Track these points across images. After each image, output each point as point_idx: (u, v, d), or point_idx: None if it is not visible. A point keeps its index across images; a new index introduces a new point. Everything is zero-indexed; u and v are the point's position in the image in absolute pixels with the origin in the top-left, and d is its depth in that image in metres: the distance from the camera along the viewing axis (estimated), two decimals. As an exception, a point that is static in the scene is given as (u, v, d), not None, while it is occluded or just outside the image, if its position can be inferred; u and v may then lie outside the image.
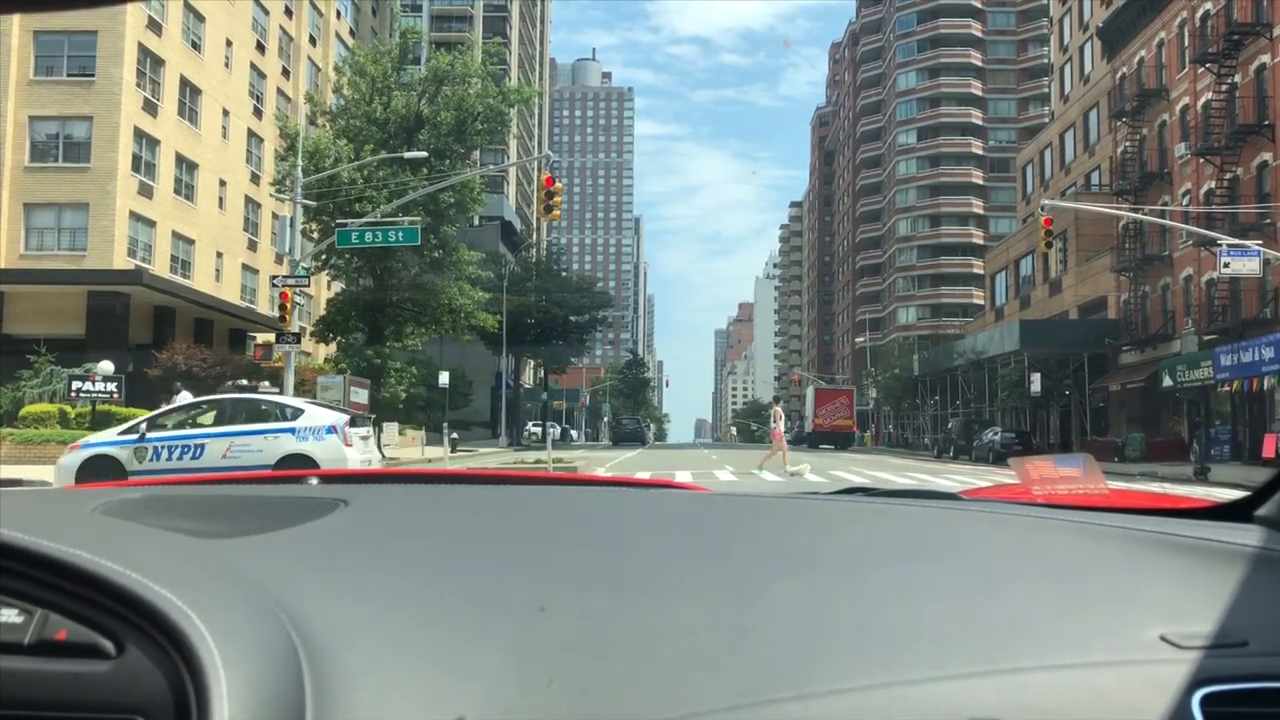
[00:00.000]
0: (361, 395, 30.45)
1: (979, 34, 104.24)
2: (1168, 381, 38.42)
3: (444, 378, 42.80)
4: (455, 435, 45.86)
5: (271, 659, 0.74)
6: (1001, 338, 49.88)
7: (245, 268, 44.91)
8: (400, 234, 24.39)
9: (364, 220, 25.37)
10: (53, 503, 1.31)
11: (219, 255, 42.55)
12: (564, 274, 66.08)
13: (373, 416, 20.71)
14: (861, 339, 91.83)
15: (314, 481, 1.58)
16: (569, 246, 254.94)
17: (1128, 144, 45.76)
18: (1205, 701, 0.77)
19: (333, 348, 36.19)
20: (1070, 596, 0.95)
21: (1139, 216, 37.34)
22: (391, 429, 48.94)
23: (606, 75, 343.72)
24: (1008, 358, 48.81)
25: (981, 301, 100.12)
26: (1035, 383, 44.86)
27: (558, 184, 21.44)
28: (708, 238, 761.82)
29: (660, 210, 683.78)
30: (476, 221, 76.74)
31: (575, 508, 1.38)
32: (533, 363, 76.58)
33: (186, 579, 0.82)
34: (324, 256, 31.50)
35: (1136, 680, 0.79)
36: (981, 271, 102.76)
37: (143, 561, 0.82)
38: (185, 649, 0.73)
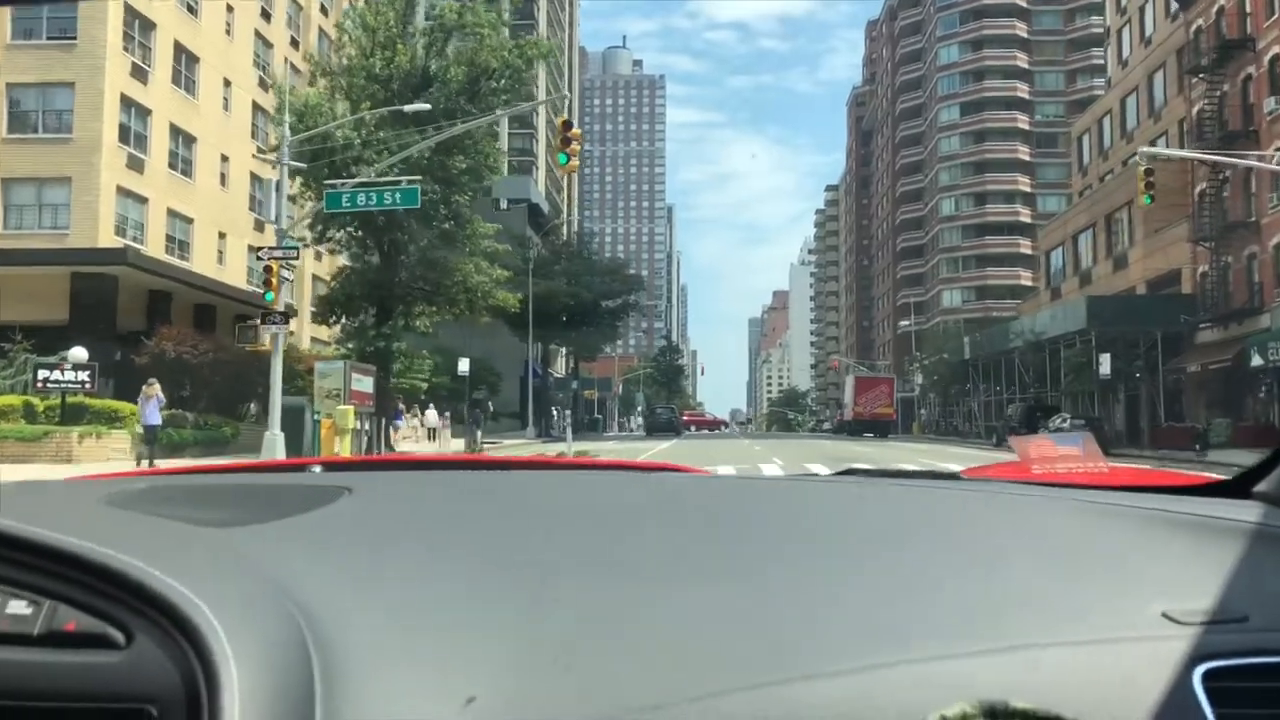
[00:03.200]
0: (365, 383, 27.43)
1: (1024, 4, 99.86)
2: (1256, 360, 34.79)
3: (464, 364, 39.83)
4: (478, 427, 43.03)
5: (281, 647, 0.75)
6: (1065, 316, 46.12)
7: (252, 249, 41.90)
8: (398, 195, 21.26)
9: (356, 181, 22.28)
10: (59, 494, 1.32)
11: (221, 236, 39.71)
12: (594, 257, 62.89)
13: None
14: (906, 322, 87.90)
15: (317, 469, 1.61)
16: (600, 234, 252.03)
17: (1205, 102, 41.86)
18: (1206, 677, 0.77)
19: (338, 329, 33.02)
20: (1071, 574, 0.96)
21: (1246, 163, 33.45)
22: (413, 419, 46.22)
23: (638, 63, 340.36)
24: (1072, 338, 45.08)
25: (1030, 283, 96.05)
26: (1105, 364, 41.23)
27: (576, 129, 18.21)
28: (743, 226, 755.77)
29: (695, 199, 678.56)
30: (503, 205, 73.90)
31: (579, 493, 1.41)
32: (564, 351, 73.64)
33: (195, 568, 0.83)
34: (321, 228, 28.50)
35: (1137, 656, 0.79)
36: (1030, 251, 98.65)
37: (150, 551, 0.82)
38: (195, 638, 0.73)
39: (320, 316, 31.32)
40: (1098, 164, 60.90)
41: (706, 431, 77.56)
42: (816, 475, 1.63)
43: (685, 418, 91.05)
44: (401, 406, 40.48)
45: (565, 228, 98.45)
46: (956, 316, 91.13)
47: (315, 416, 24.87)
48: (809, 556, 1.01)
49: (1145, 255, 47.32)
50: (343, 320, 30.12)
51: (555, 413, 55.13)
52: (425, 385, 52.47)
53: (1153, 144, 52.97)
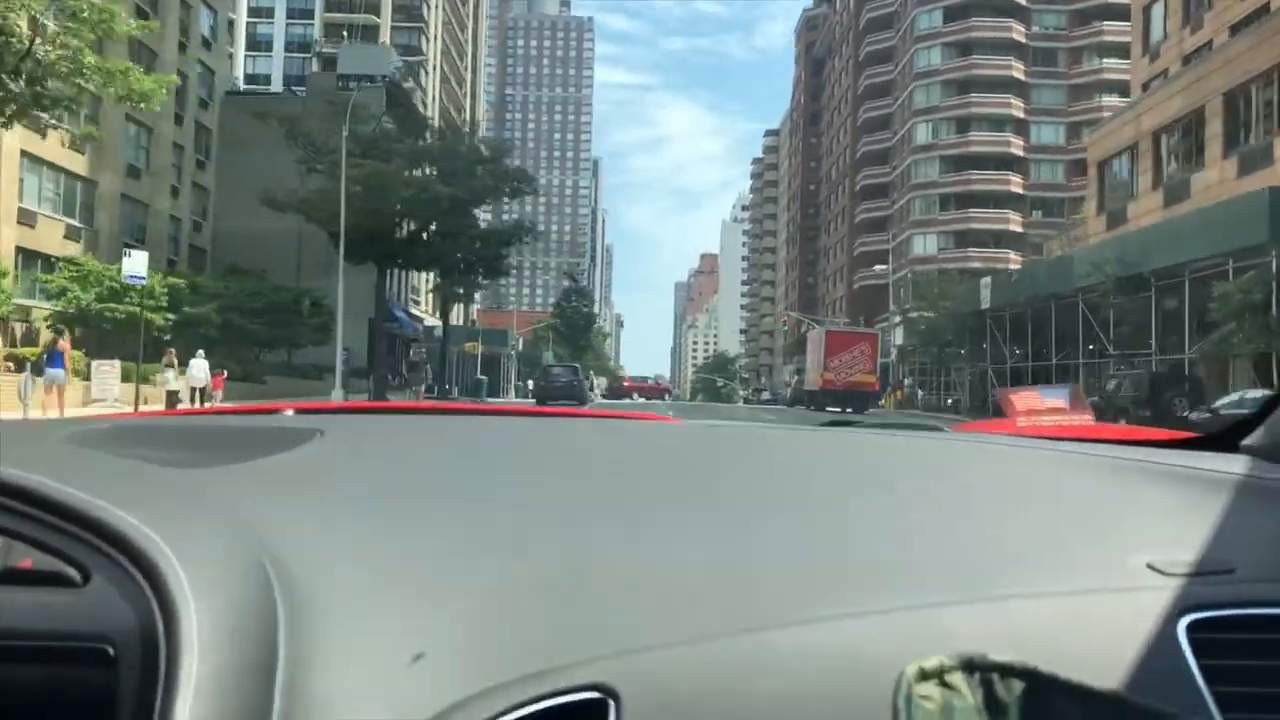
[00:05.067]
0: None
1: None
2: None
3: (134, 262, 20.59)
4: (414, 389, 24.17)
5: (243, 588, 0.73)
6: (1216, 228, 28.01)
7: None
8: None
9: None
10: (19, 433, 1.29)
11: None
12: (460, 143, 43.01)
13: None
14: (882, 266, 70.08)
15: (290, 413, 1.58)
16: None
17: None
18: (1191, 628, 0.77)
19: None
20: (1056, 525, 0.96)
21: None
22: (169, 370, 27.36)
23: (565, 3, 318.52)
24: (1222, 263, 27.29)
25: (1020, 228, 79.27)
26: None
27: None
28: (674, 191, 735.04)
29: (627, 162, 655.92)
30: (354, 86, 54.31)
31: (558, 440, 1.39)
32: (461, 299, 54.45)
33: (155, 506, 0.81)
34: None
35: (1122, 608, 0.79)
36: (1021, 191, 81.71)
37: (111, 489, 0.81)
38: (153, 577, 0.71)
39: None
40: (1179, 39, 43.33)
41: (643, 399, 61.34)
42: (801, 425, 1.59)
43: (627, 384, 77.64)
44: (64, 345, 21.14)
45: (469, 123, 78.12)
46: (931, 266, 73.54)
47: None
48: (791, 504, 1.01)
49: (1319, 140, 29.69)
50: None
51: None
52: (167, 319, 33.03)
53: (1292, -10, 35.45)
